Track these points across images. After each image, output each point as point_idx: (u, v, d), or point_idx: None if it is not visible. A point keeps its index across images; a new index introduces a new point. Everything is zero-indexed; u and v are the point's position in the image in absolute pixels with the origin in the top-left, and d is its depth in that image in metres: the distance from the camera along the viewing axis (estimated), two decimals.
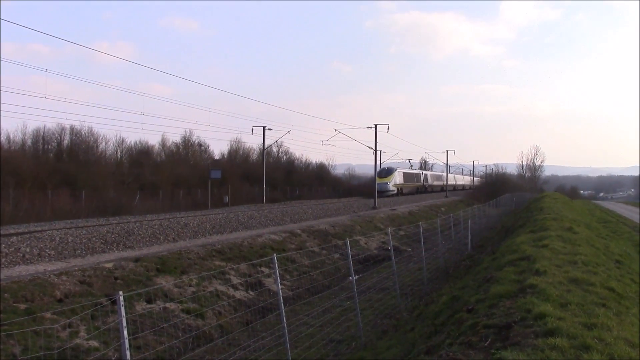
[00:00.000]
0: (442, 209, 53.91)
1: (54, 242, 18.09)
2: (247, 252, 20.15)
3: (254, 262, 17.51)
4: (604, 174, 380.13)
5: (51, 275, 13.61)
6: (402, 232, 30.85)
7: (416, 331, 10.88)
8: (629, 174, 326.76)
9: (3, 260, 15.53)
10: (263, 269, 18.26)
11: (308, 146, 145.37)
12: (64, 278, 13.69)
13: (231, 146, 76.96)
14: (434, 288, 16.62)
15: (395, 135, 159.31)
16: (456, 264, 20.59)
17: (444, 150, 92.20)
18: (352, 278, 12.49)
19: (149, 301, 13.75)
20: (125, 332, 6.15)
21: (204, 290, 15.51)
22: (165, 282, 15.19)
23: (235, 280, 17.00)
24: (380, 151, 77.92)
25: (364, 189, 71.54)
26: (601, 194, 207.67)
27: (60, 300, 12.74)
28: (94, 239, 19.47)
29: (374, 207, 45.13)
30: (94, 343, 11.07)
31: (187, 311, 13.91)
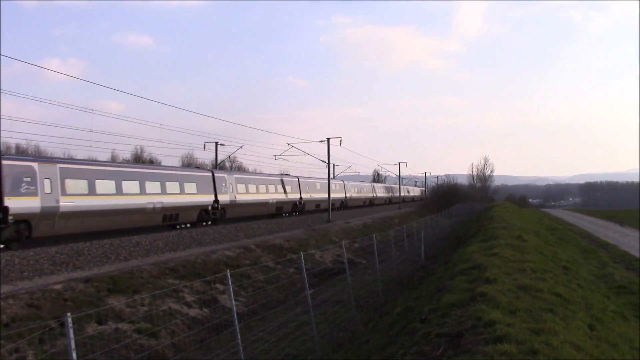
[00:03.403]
0: (396, 220, 54.44)
1: None
2: (201, 269, 19.93)
3: (207, 278, 17.32)
4: (552, 182, 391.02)
5: None
6: (356, 245, 30.99)
7: (371, 343, 10.94)
8: (575, 182, 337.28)
9: None
10: (217, 285, 18.08)
11: (261, 161, 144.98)
12: (11, 301, 13.26)
13: (183, 162, 76.32)
14: (389, 299, 16.73)
15: (349, 149, 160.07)
16: (410, 274, 20.79)
17: (396, 162, 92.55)
18: (307, 292, 12.49)
19: (100, 322, 13.44)
20: (75, 355, 6.02)
21: (157, 309, 15.25)
22: (117, 302, 14.89)
23: (189, 298, 16.78)
24: (334, 164, 78.41)
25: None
26: (534, 200, 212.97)
27: (7, 325, 12.33)
28: (41, 260, 18.94)
29: (328, 221, 45.26)
30: None
31: (140, 331, 13.65)
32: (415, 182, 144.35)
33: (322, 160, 52.02)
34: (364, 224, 45.34)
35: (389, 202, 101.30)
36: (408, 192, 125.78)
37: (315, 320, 12.55)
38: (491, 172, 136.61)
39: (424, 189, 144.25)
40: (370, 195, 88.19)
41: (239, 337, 9.60)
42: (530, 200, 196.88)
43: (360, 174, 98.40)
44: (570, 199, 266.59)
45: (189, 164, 75.26)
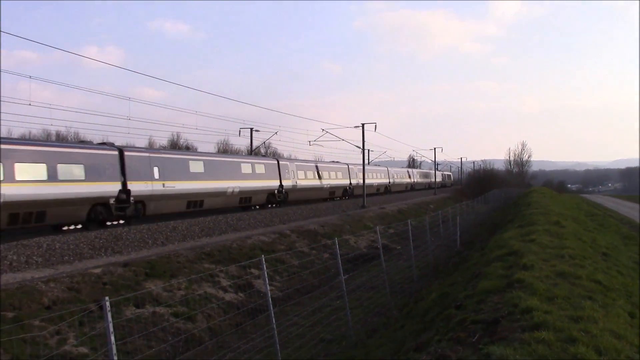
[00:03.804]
0: (431, 206, 54.08)
1: (41, 249, 17.96)
2: (237, 254, 20.11)
3: (243, 263, 17.49)
4: (591, 167, 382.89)
5: (39, 283, 13.51)
6: (391, 230, 30.90)
7: (406, 329, 10.92)
8: (615, 167, 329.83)
9: None
10: (253, 270, 18.24)
11: (296, 147, 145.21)
12: (52, 285, 13.60)
13: (218, 148, 77.01)
14: (424, 285, 16.67)
15: (384, 134, 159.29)
16: (445, 260, 20.67)
17: (432, 147, 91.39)
18: (342, 277, 12.50)
19: (138, 306, 13.69)
20: (113, 338, 6.13)
21: (194, 293, 15.47)
22: (154, 286, 15.14)
23: (225, 283, 16.96)
24: (369, 150, 77.90)
25: None
26: (572, 186, 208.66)
27: (48, 308, 12.65)
28: (81, 244, 19.35)
29: (363, 206, 45.17)
30: (84, 349, 11.02)
31: (177, 315, 13.86)
32: (437, 165, 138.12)
33: (357, 146, 51.84)
34: (399, 209, 45.17)
35: (386, 190, 74.49)
36: (425, 177, 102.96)
37: (349, 305, 12.58)
38: (528, 157, 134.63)
39: (449, 173, 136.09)
40: (343, 182, 57.83)
41: (274, 321, 9.67)
42: (569, 185, 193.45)
43: (395, 159, 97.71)
44: (610, 185, 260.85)
45: (225, 150, 75.84)
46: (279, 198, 43.22)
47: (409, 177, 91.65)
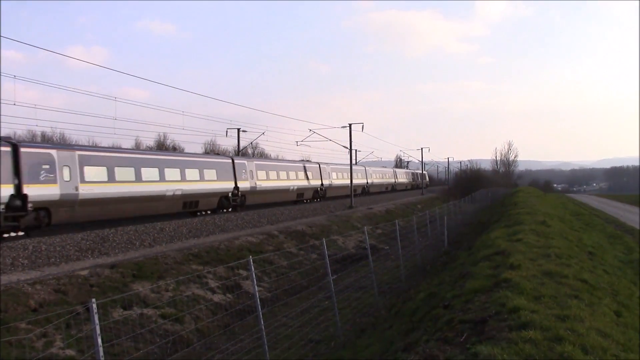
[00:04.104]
0: (419, 206, 54.23)
1: (27, 251, 17.82)
2: (225, 255, 20.06)
3: (231, 264, 17.44)
4: (577, 167, 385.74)
5: (25, 285, 13.40)
6: (379, 231, 30.97)
7: (394, 328, 10.94)
8: (601, 167, 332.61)
9: None
10: (241, 271, 18.20)
11: (283, 147, 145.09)
12: (38, 287, 13.50)
13: (205, 149, 76.67)
14: (412, 285, 16.70)
15: (371, 134, 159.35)
16: (433, 260, 20.73)
17: (419, 147, 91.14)
18: (330, 278, 12.51)
19: (125, 307, 13.62)
20: (99, 340, 6.10)
21: (182, 295, 15.41)
22: (142, 287, 15.06)
23: (213, 284, 16.92)
24: (356, 150, 77.67)
25: None
26: (558, 185, 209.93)
27: (34, 310, 12.56)
28: (68, 246, 19.22)
29: (351, 207, 45.20)
30: (70, 352, 10.94)
31: (165, 316, 13.81)
32: (405, 162, 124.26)
33: (344, 146, 51.80)
34: (387, 209, 45.27)
35: (316, 195, 54.47)
36: (388, 177, 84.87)
37: (338, 305, 12.57)
38: (515, 157, 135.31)
39: (422, 172, 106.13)
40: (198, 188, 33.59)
41: (262, 322, 9.66)
42: (555, 185, 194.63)
43: (382, 159, 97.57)
44: (595, 184, 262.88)
45: (211, 150, 75.60)
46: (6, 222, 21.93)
47: (362, 177, 68.95)
